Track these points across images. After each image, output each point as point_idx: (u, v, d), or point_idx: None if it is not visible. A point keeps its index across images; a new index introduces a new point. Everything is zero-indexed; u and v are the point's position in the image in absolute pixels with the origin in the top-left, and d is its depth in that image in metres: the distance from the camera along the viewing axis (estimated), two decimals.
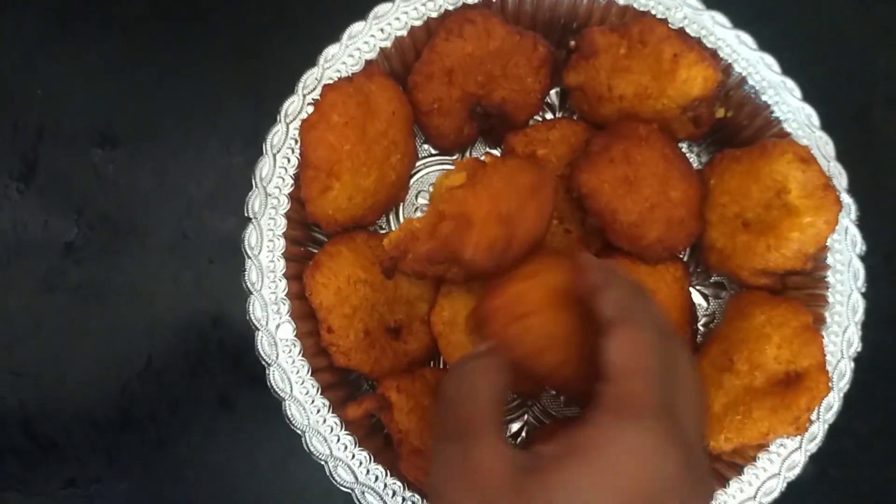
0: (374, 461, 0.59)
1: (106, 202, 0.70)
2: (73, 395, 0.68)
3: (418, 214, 0.67)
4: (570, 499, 0.36)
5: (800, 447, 0.60)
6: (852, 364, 0.61)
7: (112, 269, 0.69)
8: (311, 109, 0.57)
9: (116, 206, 0.70)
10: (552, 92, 0.68)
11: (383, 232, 0.66)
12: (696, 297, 0.67)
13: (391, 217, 0.67)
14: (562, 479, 0.37)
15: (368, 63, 0.62)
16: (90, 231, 0.70)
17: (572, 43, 0.64)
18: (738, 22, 0.64)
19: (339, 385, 0.61)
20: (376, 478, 0.58)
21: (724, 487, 0.60)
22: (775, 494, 0.60)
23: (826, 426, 0.60)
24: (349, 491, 0.58)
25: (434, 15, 0.63)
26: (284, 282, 0.60)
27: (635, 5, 0.63)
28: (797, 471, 0.60)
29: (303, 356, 0.59)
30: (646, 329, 0.41)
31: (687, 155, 0.67)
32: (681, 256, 0.66)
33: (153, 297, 0.69)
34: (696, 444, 0.41)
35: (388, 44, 0.63)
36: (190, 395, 0.68)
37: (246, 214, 0.60)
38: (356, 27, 0.63)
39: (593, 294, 0.43)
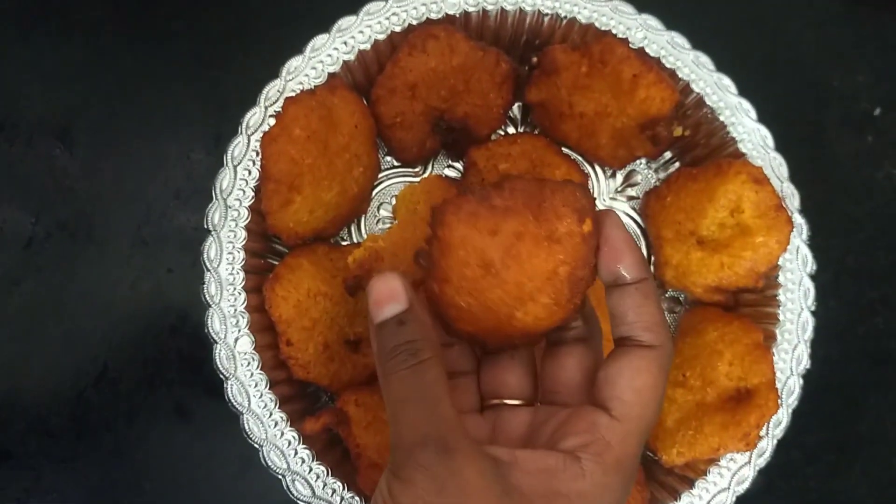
0: (332, 475, 0.59)
1: (63, 208, 0.69)
2: (28, 403, 0.67)
3: (380, 226, 0.67)
4: None
5: (749, 462, 0.61)
6: (801, 381, 0.63)
7: (69, 276, 0.69)
8: (272, 122, 0.57)
9: (74, 213, 0.69)
10: (515, 106, 0.69)
11: (345, 244, 0.66)
12: None
13: (353, 229, 0.67)
14: None
15: (331, 76, 0.62)
16: (47, 238, 0.69)
17: (534, 60, 0.64)
18: (697, 43, 0.65)
19: (298, 398, 0.62)
20: (333, 491, 0.58)
21: (676, 501, 0.61)
22: None
23: (775, 441, 0.62)
24: None
25: (398, 29, 0.63)
26: (244, 294, 0.60)
27: (597, 24, 0.64)
28: (746, 485, 0.61)
29: (261, 369, 0.59)
30: (666, 365, 0.40)
31: (645, 172, 0.68)
32: None
33: (110, 306, 0.68)
34: None
35: (351, 57, 0.63)
36: (147, 404, 0.67)
37: (205, 226, 0.60)
38: (319, 40, 0.62)
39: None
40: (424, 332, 0.40)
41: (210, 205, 0.60)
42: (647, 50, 0.64)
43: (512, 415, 0.44)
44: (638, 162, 0.68)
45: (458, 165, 0.68)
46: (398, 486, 0.37)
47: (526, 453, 0.39)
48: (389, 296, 0.40)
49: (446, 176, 0.67)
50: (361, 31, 0.63)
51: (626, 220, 0.68)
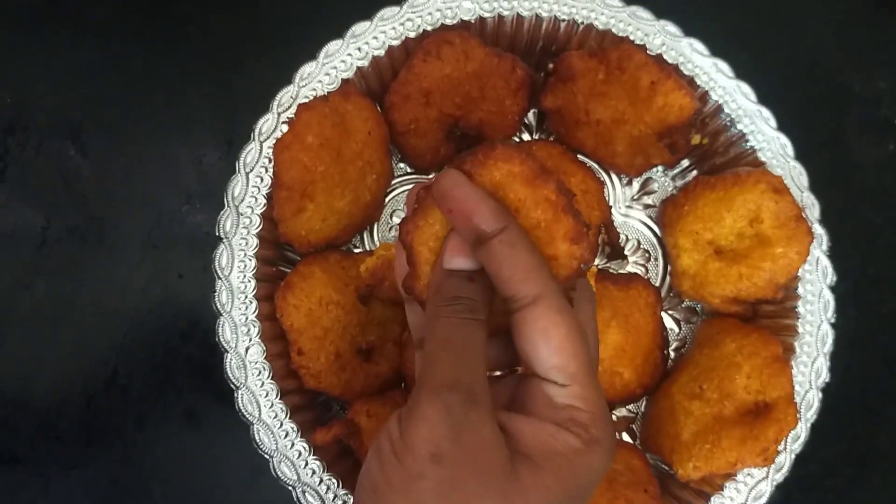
0: (343, 486, 0.58)
1: (74, 212, 0.69)
2: (38, 408, 0.67)
3: (393, 234, 0.66)
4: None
5: (767, 477, 0.60)
6: (820, 394, 0.62)
7: (79, 280, 0.68)
8: (285, 129, 0.57)
9: (85, 217, 0.69)
10: (530, 113, 0.68)
11: (357, 252, 0.65)
12: (668, 322, 0.67)
13: (365, 236, 0.66)
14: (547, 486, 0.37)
15: (345, 82, 0.62)
16: (58, 241, 0.69)
17: (550, 66, 0.64)
18: (716, 49, 0.64)
19: (309, 407, 0.61)
20: (344, 503, 0.58)
21: None
22: None
23: (793, 456, 0.61)
24: None
25: (412, 35, 0.62)
26: (255, 303, 0.59)
27: (614, 30, 0.63)
28: (763, 500, 0.60)
29: (272, 379, 0.58)
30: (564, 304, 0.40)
31: (662, 180, 0.67)
32: (653, 282, 0.66)
33: (121, 310, 0.68)
34: None
35: (365, 63, 0.62)
36: (157, 410, 0.67)
37: (217, 234, 0.59)
38: (333, 46, 0.62)
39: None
40: (485, 297, 0.40)
41: (222, 212, 0.59)
42: (666, 56, 0.63)
43: (496, 385, 0.43)
44: (655, 170, 0.67)
45: None
46: (413, 423, 0.36)
47: (519, 417, 0.39)
48: (466, 251, 0.40)
49: None
50: (375, 37, 0.62)
51: (642, 228, 0.67)
